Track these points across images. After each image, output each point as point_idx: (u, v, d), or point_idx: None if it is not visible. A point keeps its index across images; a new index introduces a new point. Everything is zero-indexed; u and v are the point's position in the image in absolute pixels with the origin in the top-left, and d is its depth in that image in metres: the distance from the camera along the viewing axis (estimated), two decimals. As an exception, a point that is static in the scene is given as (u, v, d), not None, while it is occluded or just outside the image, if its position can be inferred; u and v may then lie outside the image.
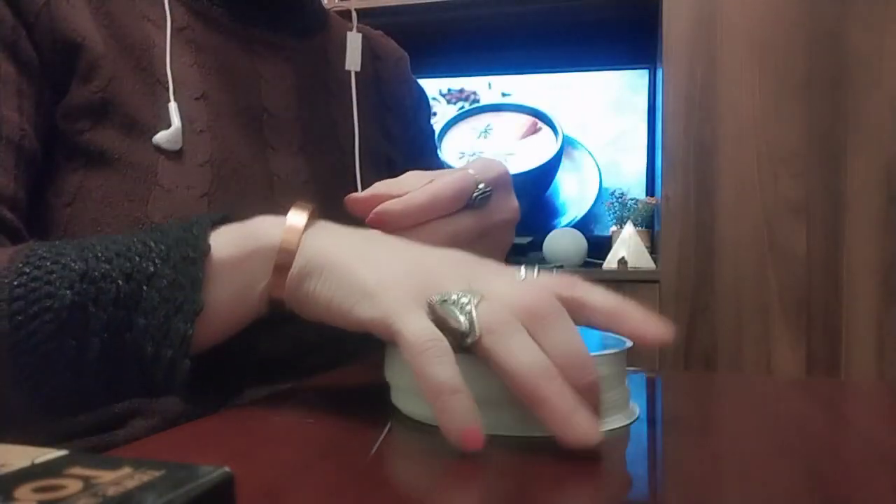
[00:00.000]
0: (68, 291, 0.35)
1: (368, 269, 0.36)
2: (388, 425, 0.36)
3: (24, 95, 0.51)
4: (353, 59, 0.67)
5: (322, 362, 0.58)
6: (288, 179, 0.60)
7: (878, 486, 0.27)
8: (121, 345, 0.36)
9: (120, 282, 0.35)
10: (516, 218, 0.49)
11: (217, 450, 0.32)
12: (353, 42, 0.67)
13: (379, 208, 0.41)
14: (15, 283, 0.35)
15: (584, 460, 0.30)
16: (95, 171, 0.52)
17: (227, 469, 0.16)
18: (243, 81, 0.61)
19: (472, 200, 0.44)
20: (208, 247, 0.36)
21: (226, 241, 0.37)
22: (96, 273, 0.35)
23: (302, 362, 0.58)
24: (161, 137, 0.53)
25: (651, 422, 0.38)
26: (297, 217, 0.38)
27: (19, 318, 0.34)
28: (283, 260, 0.37)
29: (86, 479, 0.15)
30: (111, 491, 0.14)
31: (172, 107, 0.54)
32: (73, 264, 0.36)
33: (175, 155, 0.54)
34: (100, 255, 0.36)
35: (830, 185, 1.43)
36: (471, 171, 0.45)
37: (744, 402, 0.43)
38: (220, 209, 0.54)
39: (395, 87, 0.76)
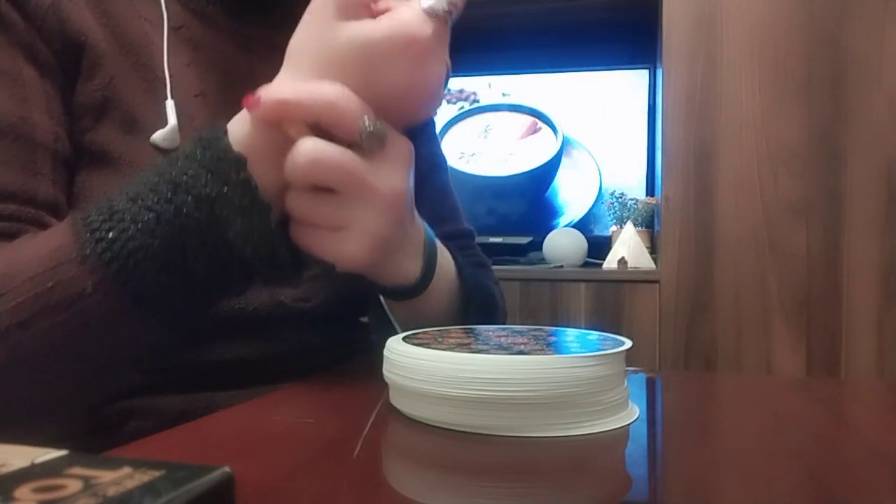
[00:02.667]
0: (154, 239, 0.39)
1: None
2: (386, 423, 0.36)
3: (51, 97, 0.51)
4: None
5: (322, 363, 0.58)
6: None
7: (878, 486, 0.27)
8: (222, 257, 0.40)
9: (195, 213, 0.39)
10: (406, 197, 0.44)
11: (217, 450, 0.32)
12: None
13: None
14: (98, 249, 0.39)
15: (585, 460, 0.30)
16: (96, 171, 0.52)
17: (227, 469, 0.16)
18: (240, 80, 0.60)
19: (360, 138, 0.41)
20: (243, 157, 0.40)
21: (241, 144, 0.41)
22: (168, 214, 0.39)
23: (302, 363, 0.58)
24: (158, 136, 0.53)
25: (651, 422, 0.38)
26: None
27: (120, 276, 0.38)
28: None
29: (86, 479, 0.15)
30: (111, 491, 0.14)
31: (169, 104, 0.54)
32: (140, 215, 0.39)
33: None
34: (157, 199, 0.40)
35: (830, 185, 1.43)
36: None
37: (744, 402, 0.43)
38: None
39: None
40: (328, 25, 0.41)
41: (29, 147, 0.49)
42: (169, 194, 0.39)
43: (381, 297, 0.56)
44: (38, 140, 0.49)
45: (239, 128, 0.42)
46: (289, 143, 0.40)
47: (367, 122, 0.40)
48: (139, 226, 0.39)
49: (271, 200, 0.41)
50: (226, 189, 0.40)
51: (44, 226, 0.48)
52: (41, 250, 0.40)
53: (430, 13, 0.40)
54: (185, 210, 0.39)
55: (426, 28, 0.40)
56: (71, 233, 0.40)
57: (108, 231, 0.39)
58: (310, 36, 0.43)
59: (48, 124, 0.50)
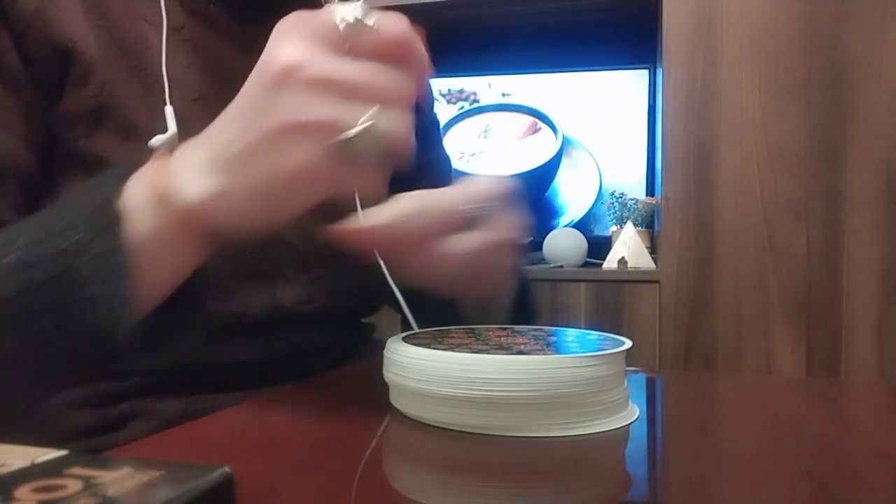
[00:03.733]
0: (5, 286, 0.36)
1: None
2: (387, 424, 0.36)
3: (12, 111, 0.50)
4: None
5: (323, 364, 0.58)
6: None
7: (878, 486, 0.27)
8: (71, 316, 0.36)
9: (53, 262, 0.36)
10: (520, 236, 0.48)
11: (217, 450, 0.32)
12: None
13: (347, 230, 0.41)
14: None
15: (585, 460, 0.30)
16: (92, 177, 0.52)
17: (227, 469, 0.16)
18: (242, 82, 0.60)
19: (468, 219, 0.43)
20: (121, 209, 0.37)
21: (134, 198, 0.38)
22: (29, 260, 0.36)
23: (303, 365, 0.57)
24: (157, 142, 0.53)
25: (651, 422, 0.38)
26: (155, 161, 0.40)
27: None
28: (165, 197, 0.38)
29: (86, 479, 0.15)
30: (111, 491, 0.14)
31: (168, 110, 0.54)
32: (3, 260, 0.36)
33: None
34: (25, 244, 0.37)
35: (830, 185, 1.43)
36: (461, 191, 0.45)
37: (744, 402, 0.43)
38: None
39: None
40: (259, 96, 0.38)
41: None
42: (39, 237, 0.37)
43: (398, 295, 0.56)
44: None
45: (143, 178, 0.39)
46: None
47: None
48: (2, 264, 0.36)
49: (146, 258, 0.37)
50: (92, 243, 0.36)
51: None
52: None
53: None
54: (44, 257, 0.36)
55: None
56: None
57: None
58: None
59: (1, 139, 0.49)
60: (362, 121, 0.35)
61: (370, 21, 0.35)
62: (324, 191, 0.38)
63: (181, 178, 0.38)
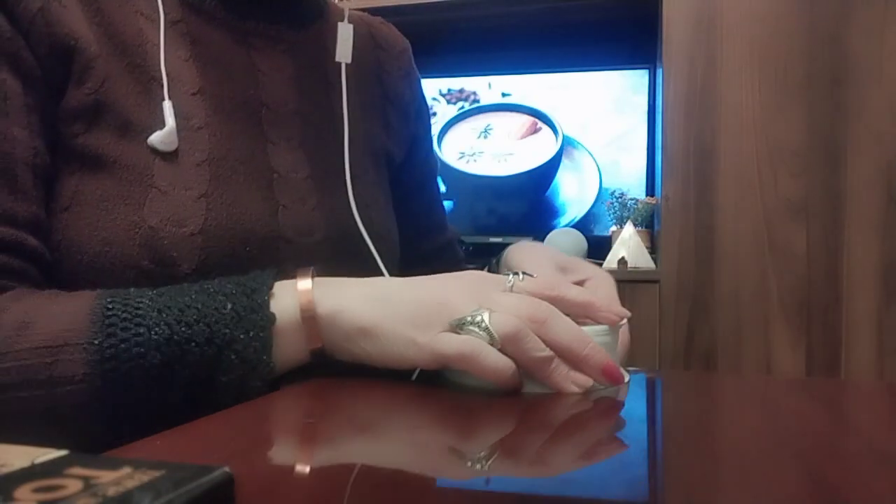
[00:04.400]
0: (157, 353, 0.41)
1: (394, 318, 0.44)
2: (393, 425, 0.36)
3: (32, 109, 0.50)
4: (344, 51, 0.65)
5: (323, 365, 0.58)
6: (287, 175, 0.59)
7: (878, 486, 0.27)
8: (201, 396, 0.42)
9: (204, 346, 0.42)
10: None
11: (217, 450, 0.32)
12: (344, 33, 0.65)
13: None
14: (105, 344, 0.41)
15: (585, 460, 0.29)
16: (91, 175, 0.51)
17: (227, 469, 0.16)
18: (240, 75, 0.60)
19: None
20: (273, 317, 0.44)
21: (279, 308, 0.44)
22: (180, 338, 0.42)
23: (303, 365, 0.57)
24: (155, 138, 0.52)
25: (651, 422, 0.38)
26: (304, 283, 0.45)
27: (111, 374, 0.41)
28: (312, 333, 0.45)
29: (86, 479, 0.15)
30: (111, 491, 0.14)
31: (167, 106, 0.53)
32: (157, 328, 0.42)
33: (171, 155, 0.53)
34: (179, 319, 0.42)
35: (830, 185, 1.43)
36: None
37: (744, 402, 0.43)
38: (217, 210, 0.53)
39: (395, 79, 0.74)
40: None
41: (8, 165, 0.48)
42: (191, 319, 0.42)
43: None
44: (18, 156, 0.49)
45: (287, 295, 0.45)
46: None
47: None
48: (152, 336, 0.41)
49: (280, 366, 0.44)
50: (242, 337, 0.42)
51: (24, 248, 0.48)
52: (55, 323, 0.42)
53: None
54: (195, 340, 0.42)
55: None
56: (89, 315, 0.42)
57: (123, 329, 0.41)
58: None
59: (27, 139, 0.50)
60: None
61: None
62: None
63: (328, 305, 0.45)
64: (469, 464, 0.30)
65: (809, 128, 1.44)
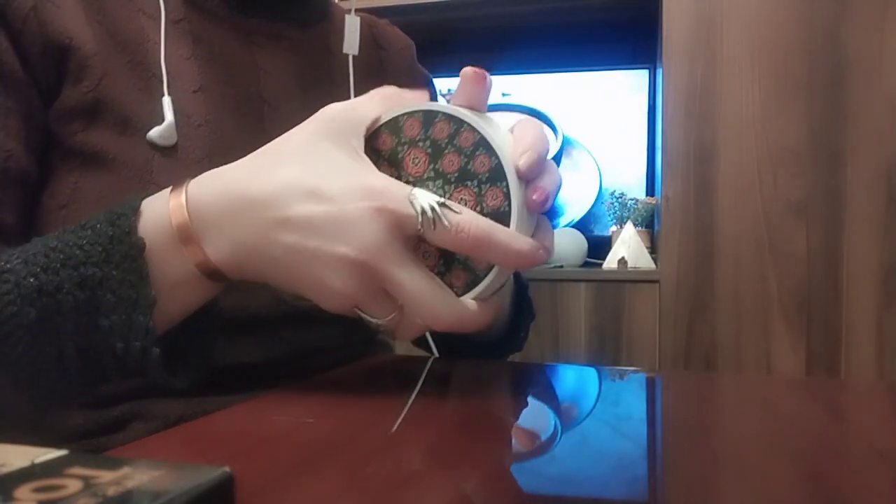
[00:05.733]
0: (31, 308, 0.37)
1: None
2: (397, 425, 0.36)
3: (10, 112, 0.50)
4: (351, 43, 0.65)
5: (324, 365, 0.58)
6: None
7: (878, 486, 0.27)
8: (93, 343, 0.38)
9: (75, 291, 0.38)
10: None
11: (217, 450, 0.32)
12: (351, 24, 0.65)
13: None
14: None
15: (585, 460, 0.29)
16: (90, 172, 0.51)
17: (227, 469, 0.16)
18: (242, 73, 0.59)
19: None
20: (142, 242, 0.38)
21: (150, 230, 0.39)
22: (50, 287, 0.38)
23: (304, 366, 0.57)
24: (154, 133, 0.52)
25: (651, 422, 0.38)
26: (177, 192, 0.40)
27: None
28: (188, 240, 0.39)
29: (86, 479, 0.15)
30: (111, 491, 0.14)
31: (166, 101, 0.53)
32: (25, 280, 0.38)
33: (171, 151, 0.53)
34: (46, 266, 0.38)
35: (830, 185, 1.43)
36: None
37: (744, 402, 0.43)
38: None
39: (399, 76, 0.74)
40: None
41: None
42: (57, 265, 0.38)
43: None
44: None
45: (160, 206, 0.40)
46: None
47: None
48: (21, 291, 0.37)
49: (165, 293, 0.39)
50: (114, 272, 0.38)
51: None
52: None
53: (413, 198, 0.37)
54: (65, 287, 0.38)
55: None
56: None
57: None
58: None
59: (0, 142, 0.49)
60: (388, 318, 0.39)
61: (445, 221, 0.37)
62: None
63: (211, 243, 0.39)
64: (469, 464, 0.30)
65: (809, 128, 1.44)
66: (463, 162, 0.40)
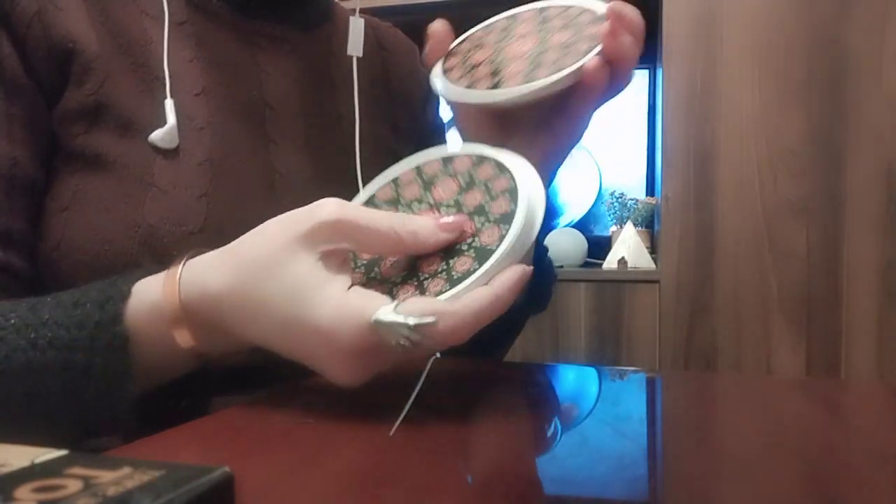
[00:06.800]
0: (20, 385, 0.39)
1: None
2: (395, 427, 0.36)
3: (14, 119, 0.50)
4: (355, 44, 0.64)
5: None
6: (290, 176, 0.59)
7: (878, 486, 0.27)
8: (79, 416, 0.41)
9: (60, 374, 0.39)
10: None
11: (217, 450, 0.32)
12: (356, 27, 0.64)
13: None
14: None
15: (585, 460, 0.29)
16: (91, 175, 0.51)
17: (227, 469, 0.16)
18: (244, 75, 0.59)
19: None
20: (127, 333, 0.39)
21: (138, 319, 0.40)
22: (37, 366, 0.39)
23: (303, 366, 0.57)
24: (156, 136, 0.52)
25: (651, 422, 0.38)
26: (171, 280, 0.41)
27: None
28: (180, 329, 0.40)
29: (86, 479, 0.15)
30: (111, 491, 0.14)
31: (168, 104, 0.53)
32: (14, 354, 0.39)
33: (172, 154, 0.53)
34: (34, 343, 0.39)
35: (830, 185, 1.43)
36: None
37: (744, 402, 0.43)
38: (218, 209, 0.53)
39: (403, 79, 0.74)
40: (289, 249, 0.37)
41: None
42: (45, 343, 0.39)
43: None
44: None
45: (153, 292, 0.41)
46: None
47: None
48: (11, 364, 0.39)
49: (150, 371, 0.41)
50: (98, 361, 0.39)
51: None
52: None
53: (379, 327, 0.34)
54: (51, 369, 0.39)
55: (359, 336, 0.35)
56: None
57: None
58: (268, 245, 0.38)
59: (6, 149, 0.49)
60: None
61: (417, 337, 0.34)
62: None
63: (203, 335, 0.41)
64: (469, 464, 0.30)
65: (809, 128, 1.44)
66: (484, 200, 0.40)
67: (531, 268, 0.37)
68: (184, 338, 0.40)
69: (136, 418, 0.40)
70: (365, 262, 0.41)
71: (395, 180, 0.45)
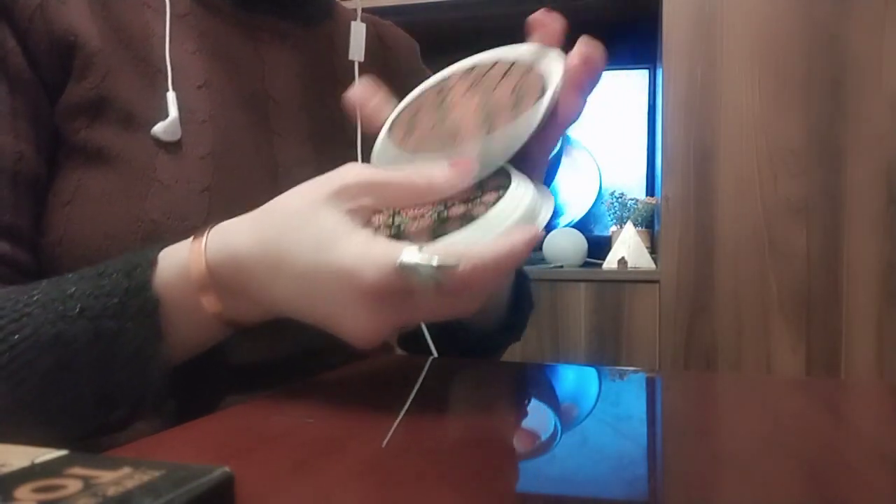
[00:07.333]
0: (49, 356, 0.39)
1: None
2: (394, 425, 0.36)
3: (19, 114, 0.50)
4: (357, 49, 0.65)
5: (324, 366, 0.57)
6: (293, 170, 0.59)
7: (878, 486, 0.27)
8: (106, 391, 0.40)
9: (92, 342, 0.39)
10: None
11: (217, 450, 0.32)
12: (357, 31, 0.65)
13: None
14: None
15: (585, 460, 0.29)
16: (93, 169, 0.52)
17: (227, 469, 0.16)
18: (247, 69, 0.59)
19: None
20: (157, 297, 0.40)
21: (166, 285, 0.41)
22: (67, 336, 0.39)
23: (306, 367, 0.57)
24: (158, 128, 0.52)
25: (651, 422, 0.38)
26: (197, 245, 0.41)
27: (5, 383, 0.38)
28: (207, 294, 0.41)
29: (86, 479, 0.15)
30: (111, 491, 0.14)
31: (170, 96, 0.53)
32: (43, 328, 0.39)
33: (175, 147, 0.53)
34: (63, 314, 0.39)
35: (830, 185, 1.43)
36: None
37: (744, 402, 0.43)
38: (221, 204, 0.53)
39: (404, 76, 0.73)
40: (315, 204, 0.38)
41: None
42: (74, 313, 0.39)
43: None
44: None
45: (180, 258, 0.41)
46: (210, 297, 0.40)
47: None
48: (39, 338, 0.39)
49: (180, 341, 0.41)
50: (129, 325, 0.39)
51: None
52: None
53: (403, 269, 0.34)
54: (82, 337, 0.39)
55: (381, 278, 0.35)
56: None
57: (10, 333, 0.39)
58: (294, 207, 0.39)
59: (11, 145, 0.49)
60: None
61: (440, 277, 0.34)
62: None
63: (229, 298, 0.41)
64: (469, 464, 0.30)
65: (809, 128, 1.44)
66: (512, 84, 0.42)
67: (542, 231, 0.38)
68: (210, 302, 0.40)
69: (164, 390, 0.40)
70: (391, 223, 0.40)
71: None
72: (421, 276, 0.34)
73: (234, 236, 0.40)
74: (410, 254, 0.34)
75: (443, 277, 0.34)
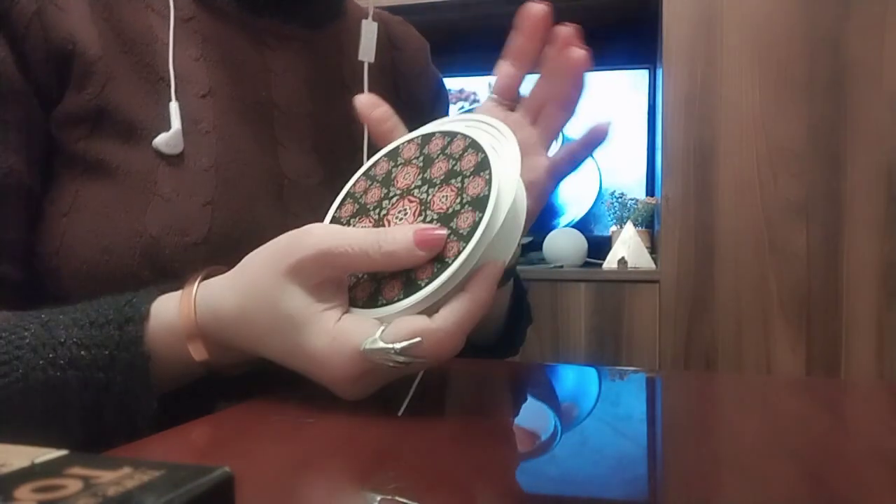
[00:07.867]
0: (38, 400, 0.40)
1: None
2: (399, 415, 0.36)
3: (10, 126, 0.49)
4: (367, 50, 0.62)
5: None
6: (298, 181, 0.58)
7: (878, 486, 0.27)
8: (94, 430, 0.41)
9: (81, 392, 0.40)
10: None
11: (217, 450, 0.32)
12: (368, 31, 0.62)
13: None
14: None
15: (585, 460, 0.29)
16: (92, 180, 0.50)
17: (227, 469, 0.16)
18: (252, 75, 0.58)
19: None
20: (148, 355, 0.41)
21: (157, 338, 0.42)
22: (56, 383, 0.40)
23: (295, 373, 0.57)
24: (160, 140, 0.51)
25: (651, 422, 0.38)
26: (187, 301, 0.42)
27: None
28: (195, 346, 0.42)
29: (86, 479, 0.15)
30: (111, 491, 0.14)
31: (173, 107, 0.52)
32: (33, 373, 0.40)
33: (176, 160, 0.52)
34: (53, 362, 0.40)
35: (830, 185, 1.43)
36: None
37: (744, 402, 0.43)
38: (223, 218, 0.52)
39: (412, 78, 0.72)
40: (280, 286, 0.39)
41: None
42: (64, 362, 0.40)
43: None
44: None
45: (170, 311, 0.43)
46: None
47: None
48: (29, 382, 0.40)
49: (166, 381, 0.43)
50: (119, 379, 0.40)
51: None
52: None
53: (369, 354, 0.36)
54: (71, 385, 0.40)
55: (354, 366, 0.37)
56: None
57: (2, 375, 0.40)
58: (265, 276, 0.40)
59: (4, 159, 0.49)
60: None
61: (406, 359, 0.36)
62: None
63: (219, 356, 0.43)
64: (469, 463, 0.30)
65: (809, 128, 1.44)
66: (451, 164, 0.41)
67: (503, 261, 0.38)
68: (199, 352, 0.42)
69: (151, 427, 0.41)
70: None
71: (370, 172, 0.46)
72: (387, 359, 0.36)
73: (218, 299, 0.42)
74: (372, 341, 0.36)
75: (409, 356, 0.35)
